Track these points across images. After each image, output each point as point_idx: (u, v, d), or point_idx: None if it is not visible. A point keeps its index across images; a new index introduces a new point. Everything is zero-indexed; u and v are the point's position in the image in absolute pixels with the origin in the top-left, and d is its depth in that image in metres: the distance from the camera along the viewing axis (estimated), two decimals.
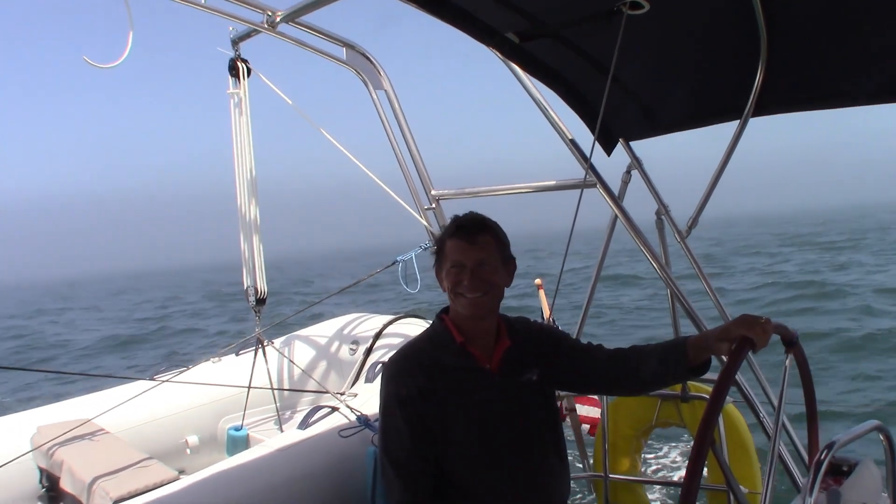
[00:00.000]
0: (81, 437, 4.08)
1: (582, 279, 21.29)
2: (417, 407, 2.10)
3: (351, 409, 3.63)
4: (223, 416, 5.04)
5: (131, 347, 23.38)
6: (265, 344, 4.95)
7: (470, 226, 2.16)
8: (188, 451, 4.82)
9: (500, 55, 3.21)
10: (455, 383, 2.14)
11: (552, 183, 3.67)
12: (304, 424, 3.69)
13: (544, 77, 3.16)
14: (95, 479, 3.47)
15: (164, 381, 4.57)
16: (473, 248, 2.12)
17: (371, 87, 4.45)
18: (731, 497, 3.08)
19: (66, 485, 3.71)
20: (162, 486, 3.27)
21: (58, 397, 5.35)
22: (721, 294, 3.24)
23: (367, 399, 3.93)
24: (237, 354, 5.32)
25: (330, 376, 5.16)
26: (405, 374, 2.16)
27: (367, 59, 4.45)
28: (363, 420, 3.35)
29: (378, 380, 4.36)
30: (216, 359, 5.31)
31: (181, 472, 4.13)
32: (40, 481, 4.17)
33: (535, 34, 2.76)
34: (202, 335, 24.33)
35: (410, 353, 2.24)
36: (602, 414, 3.90)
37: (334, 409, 3.79)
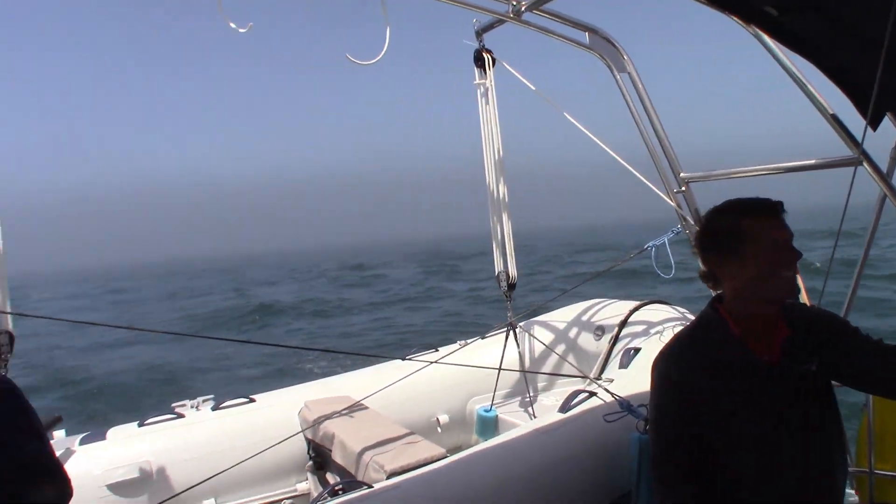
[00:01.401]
0: (347, 411, 4.35)
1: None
2: (695, 402, 2.03)
3: (611, 394, 3.61)
4: (471, 397, 5.20)
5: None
6: (514, 328, 5.06)
7: (776, 204, 2.04)
8: (439, 429, 5.02)
9: (749, 29, 3.06)
10: (734, 379, 2.04)
11: (811, 162, 3.45)
12: (564, 408, 3.72)
13: (803, 51, 2.97)
14: (367, 452, 3.68)
15: (425, 364, 4.68)
16: (786, 226, 2.03)
17: (615, 71, 4.41)
18: None
19: (337, 457, 3.96)
20: (432, 462, 3.42)
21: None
22: None
23: (624, 385, 3.90)
24: (483, 338, 5.46)
25: (575, 361, 5.17)
26: (681, 367, 2.09)
27: (611, 42, 4.43)
28: (626, 405, 3.31)
29: (632, 366, 4.36)
30: (463, 342, 5.49)
31: None
32: (308, 452, 4.49)
33: (796, 6, 2.59)
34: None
35: (685, 345, 2.17)
36: (867, 405, 3.64)
37: (592, 393, 3.80)
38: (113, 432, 4.35)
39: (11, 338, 3.15)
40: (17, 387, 1.86)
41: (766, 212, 2.03)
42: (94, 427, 4.59)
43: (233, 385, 13.96)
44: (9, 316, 3.16)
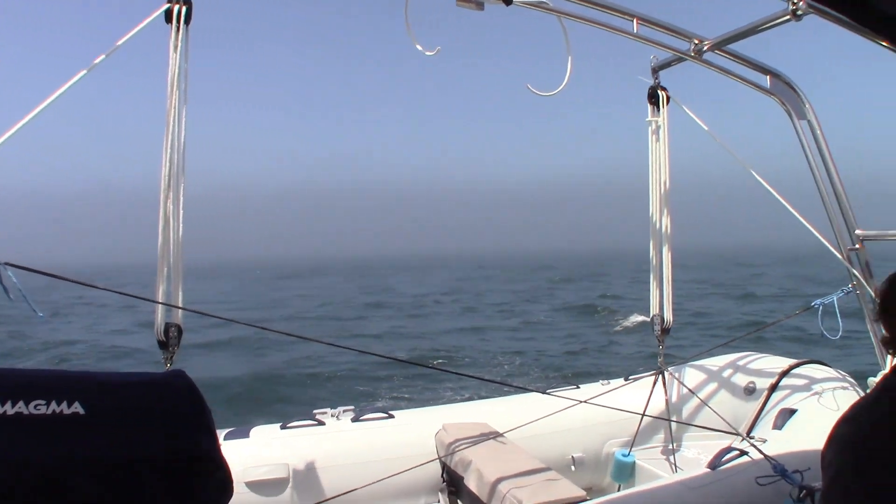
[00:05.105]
0: (484, 439, 4.30)
1: None
2: (877, 477, 1.89)
3: (765, 455, 3.42)
4: (608, 440, 5.05)
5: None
6: (664, 374, 4.92)
7: None
8: (573, 467, 4.88)
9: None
10: None
11: None
12: (714, 464, 3.56)
13: None
14: (504, 483, 3.61)
15: (571, 402, 4.53)
16: None
17: (794, 118, 4.27)
18: None
19: (471, 484, 3.90)
20: (571, 503, 3.34)
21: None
22: None
23: (778, 447, 3.67)
24: (626, 379, 5.32)
25: (723, 416, 4.94)
26: (864, 439, 1.93)
27: (792, 88, 4.31)
28: (780, 469, 3.12)
29: (787, 428, 4.13)
30: (605, 382, 5.37)
31: None
32: (442, 475, 4.46)
33: None
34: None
35: (868, 416, 1.98)
36: None
37: (743, 452, 3.61)
38: (256, 431, 4.49)
39: (180, 331, 3.26)
40: (194, 383, 1.94)
41: None
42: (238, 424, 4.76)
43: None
44: (180, 310, 3.27)
